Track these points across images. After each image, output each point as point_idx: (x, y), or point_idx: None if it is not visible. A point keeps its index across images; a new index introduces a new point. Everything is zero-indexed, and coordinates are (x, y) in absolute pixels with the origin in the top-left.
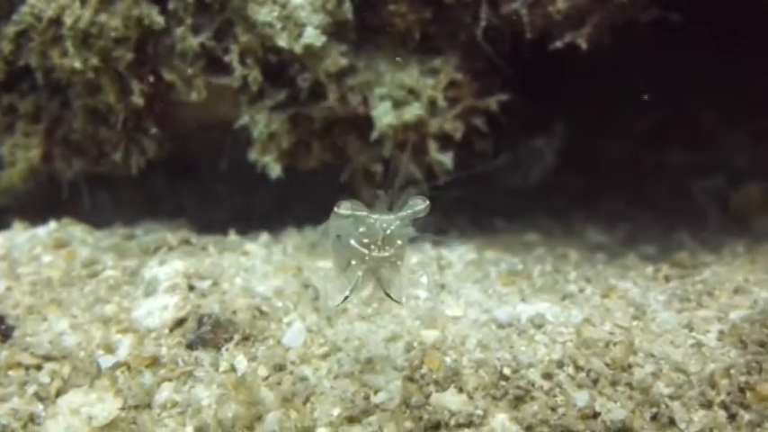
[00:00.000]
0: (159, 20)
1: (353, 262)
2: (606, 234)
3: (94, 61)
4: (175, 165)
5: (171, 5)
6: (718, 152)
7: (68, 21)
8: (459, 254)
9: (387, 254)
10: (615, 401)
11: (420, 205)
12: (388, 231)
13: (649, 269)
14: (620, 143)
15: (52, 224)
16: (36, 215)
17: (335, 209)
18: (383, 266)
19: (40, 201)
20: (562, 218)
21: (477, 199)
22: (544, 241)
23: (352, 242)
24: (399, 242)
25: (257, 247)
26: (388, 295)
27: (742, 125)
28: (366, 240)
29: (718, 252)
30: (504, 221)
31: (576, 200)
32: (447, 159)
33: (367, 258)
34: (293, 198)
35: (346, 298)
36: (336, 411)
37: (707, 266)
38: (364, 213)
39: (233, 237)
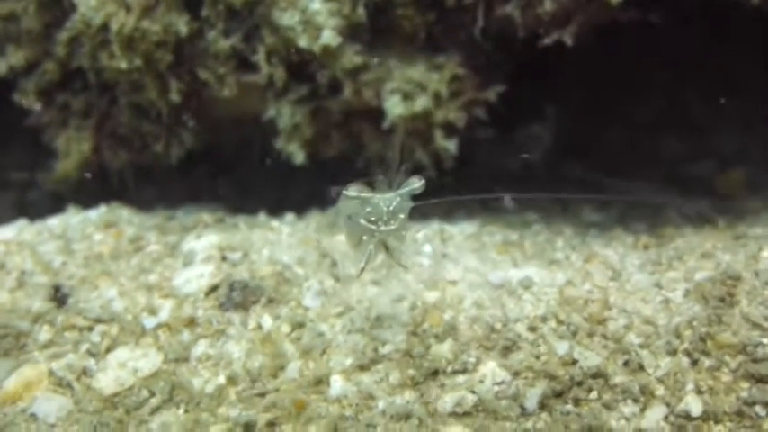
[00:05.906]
0: (183, 28)
1: (365, 237)
2: (600, 213)
3: (138, 62)
4: (215, 161)
5: (204, 12)
6: (709, 140)
7: (115, 27)
8: (461, 228)
9: (392, 227)
10: (591, 350)
11: (416, 183)
12: (391, 208)
13: (630, 239)
14: (617, 131)
15: (102, 207)
16: (88, 202)
17: (344, 192)
18: (390, 238)
19: (91, 190)
20: (560, 199)
21: (483, 183)
22: (542, 219)
23: (362, 221)
24: (402, 216)
25: (283, 225)
26: (397, 262)
27: (732, 115)
28: (373, 218)
29: (700, 227)
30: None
31: (573, 184)
32: (451, 146)
33: (375, 233)
34: (320, 186)
35: (362, 269)
36: (349, 361)
37: (682, 237)
38: (369, 195)
39: (262, 216)
